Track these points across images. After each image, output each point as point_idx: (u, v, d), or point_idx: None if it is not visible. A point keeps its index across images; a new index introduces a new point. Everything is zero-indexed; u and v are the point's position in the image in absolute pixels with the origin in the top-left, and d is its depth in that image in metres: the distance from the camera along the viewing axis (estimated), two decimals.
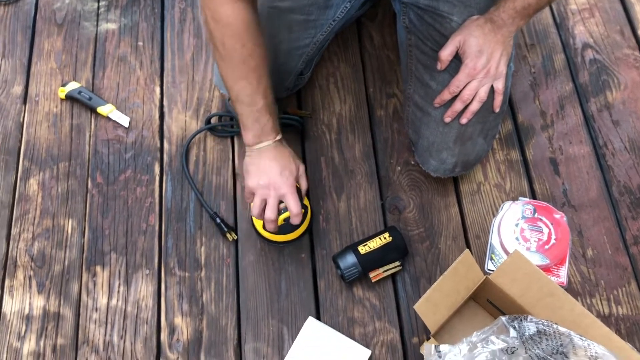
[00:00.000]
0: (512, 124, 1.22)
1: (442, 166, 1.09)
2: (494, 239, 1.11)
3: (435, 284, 0.89)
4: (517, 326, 0.79)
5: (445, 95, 1.02)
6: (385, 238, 1.07)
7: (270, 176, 0.99)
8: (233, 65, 0.94)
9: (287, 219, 1.02)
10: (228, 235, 1.13)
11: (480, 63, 0.98)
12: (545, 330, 0.78)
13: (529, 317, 0.80)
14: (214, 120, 1.23)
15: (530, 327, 0.79)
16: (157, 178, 1.20)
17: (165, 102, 1.27)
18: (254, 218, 1.10)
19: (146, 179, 1.19)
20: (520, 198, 1.15)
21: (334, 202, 1.16)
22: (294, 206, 0.99)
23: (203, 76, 1.29)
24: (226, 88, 0.99)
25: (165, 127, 1.24)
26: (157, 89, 1.29)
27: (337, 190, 1.17)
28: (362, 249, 1.06)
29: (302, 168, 1.04)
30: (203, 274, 1.11)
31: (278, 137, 1.02)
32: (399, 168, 1.18)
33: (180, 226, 1.15)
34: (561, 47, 1.29)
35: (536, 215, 1.10)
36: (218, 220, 1.14)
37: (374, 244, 1.06)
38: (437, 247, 1.11)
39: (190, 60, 1.31)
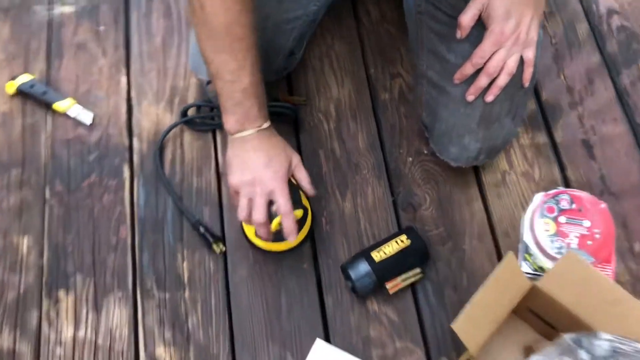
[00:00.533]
0: (536, 103, 1.06)
1: (464, 154, 0.93)
2: (526, 237, 0.95)
3: (475, 296, 0.73)
4: (586, 346, 0.63)
5: (468, 69, 0.86)
6: (402, 241, 0.90)
7: (255, 170, 0.83)
8: (214, 33, 0.77)
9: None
10: (215, 246, 0.95)
11: (508, 28, 0.82)
12: (622, 349, 0.63)
13: (600, 333, 0.65)
14: (191, 112, 1.05)
15: (603, 346, 0.63)
16: (127, 183, 1.02)
17: (133, 94, 1.09)
18: (243, 224, 0.93)
19: (114, 184, 1.01)
20: (552, 187, 0.99)
21: (338, 202, 0.99)
22: (282, 204, 0.82)
23: (176, 62, 1.11)
24: (205, 61, 0.82)
25: (134, 122, 1.06)
26: (124, 79, 1.10)
27: (341, 187, 1.00)
28: (376, 256, 0.89)
29: (296, 158, 0.87)
30: (187, 294, 0.93)
31: (265, 125, 0.85)
32: (410, 159, 1.02)
33: (157, 239, 0.97)
34: (583, 14, 1.14)
35: (574, 206, 0.95)
36: (202, 230, 0.96)
37: (390, 249, 0.90)
38: (461, 249, 0.95)
39: (160, 44, 1.13)
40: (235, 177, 0.84)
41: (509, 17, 0.82)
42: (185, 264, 0.95)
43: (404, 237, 0.91)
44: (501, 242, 0.96)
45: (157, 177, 1.02)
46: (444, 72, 0.90)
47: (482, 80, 0.86)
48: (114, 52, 1.13)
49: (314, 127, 1.04)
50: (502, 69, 0.85)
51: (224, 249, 0.96)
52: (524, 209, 0.97)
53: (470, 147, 0.92)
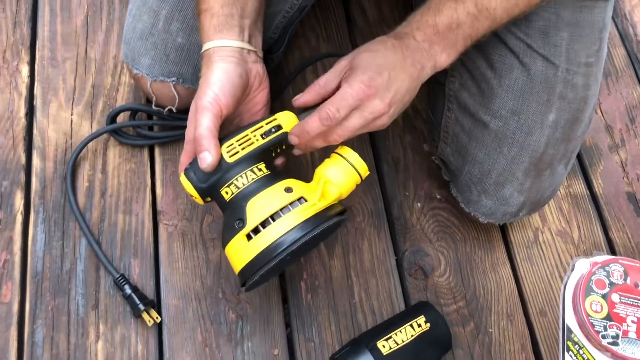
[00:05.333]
0: None
1: (502, 208, 0.69)
2: (568, 318, 0.72)
3: None
4: None
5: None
6: (419, 325, 0.65)
7: None
8: None
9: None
10: (145, 315, 0.66)
11: (378, 81, 0.56)
12: None
13: None
14: (121, 119, 0.75)
15: None
16: (19, 218, 0.70)
17: (37, 91, 0.77)
18: None
19: None
20: (595, 252, 0.77)
21: (323, 260, 0.72)
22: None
23: (103, 50, 0.81)
24: None
25: (36, 130, 0.75)
26: (25, 69, 0.79)
27: (327, 239, 0.73)
28: (384, 346, 0.63)
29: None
30: None
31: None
32: (419, 204, 0.77)
33: (60, 304, 0.66)
34: (619, 39, 0.94)
35: (628, 281, 0.73)
36: (128, 291, 0.66)
37: (403, 336, 0.64)
38: (487, 332, 0.71)
39: (82, 24, 0.82)
40: None
41: (380, 72, 0.56)
42: (100, 345, 0.65)
43: (421, 319, 0.65)
44: (536, 323, 0.73)
45: (64, 211, 0.71)
46: (483, 97, 0.67)
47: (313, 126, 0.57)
48: (12, 29, 0.81)
49: (292, 156, 0.77)
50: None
51: (159, 319, 0.67)
52: (562, 279, 0.75)
53: (511, 201, 0.68)
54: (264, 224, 0.53)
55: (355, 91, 0.55)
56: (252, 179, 0.55)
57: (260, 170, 0.56)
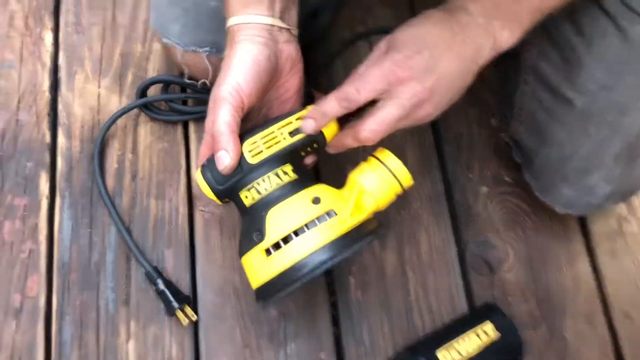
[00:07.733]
0: None
1: (585, 199, 0.59)
2: None
3: None
4: None
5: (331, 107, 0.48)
6: (486, 334, 0.57)
7: None
8: None
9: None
10: (180, 314, 0.60)
11: (415, 61, 0.46)
12: None
13: None
14: (153, 93, 0.68)
15: None
16: (45, 203, 0.65)
17: (61, 61, 0.71)
18: None
19: (23, 204, 0.64)
20: None
21: (375, 253, 0.65)
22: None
23: (132, 15, 0.73)
24: None
25: (61, 106, 0.69)
26: (48, 36, 0.72)
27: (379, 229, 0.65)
28: (445, 357, 0.56)
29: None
30: None
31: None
32: (486, 189, 0.68)
33: (89, 299, 0.61)
34: None
35: None
36: (161, 286, 0.60)
37: (467, 346, 0.56)
38: (562, 336, 0.63)
39: None
40: None
41: (421, 49, 0.46)
42: (131, 345, 0.60)
43: (489, 327, 0.57)
44: (619, 326, 0.64)
45: (92, 196, 0.65)
46: (568, 68, 0.56)
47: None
48: None
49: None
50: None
51: (195, 318, 0.61)
52: None
53: (596, 190, 0.58)
54: (286, 239, 0.46)
55: (384, 71, 0.46)
56: (277, 184, 0.48)
57: (286, 174, 0.48)
